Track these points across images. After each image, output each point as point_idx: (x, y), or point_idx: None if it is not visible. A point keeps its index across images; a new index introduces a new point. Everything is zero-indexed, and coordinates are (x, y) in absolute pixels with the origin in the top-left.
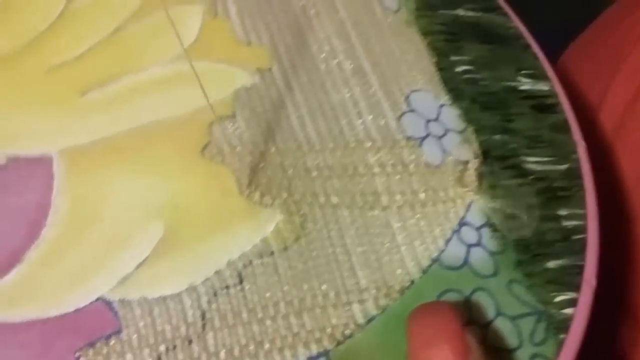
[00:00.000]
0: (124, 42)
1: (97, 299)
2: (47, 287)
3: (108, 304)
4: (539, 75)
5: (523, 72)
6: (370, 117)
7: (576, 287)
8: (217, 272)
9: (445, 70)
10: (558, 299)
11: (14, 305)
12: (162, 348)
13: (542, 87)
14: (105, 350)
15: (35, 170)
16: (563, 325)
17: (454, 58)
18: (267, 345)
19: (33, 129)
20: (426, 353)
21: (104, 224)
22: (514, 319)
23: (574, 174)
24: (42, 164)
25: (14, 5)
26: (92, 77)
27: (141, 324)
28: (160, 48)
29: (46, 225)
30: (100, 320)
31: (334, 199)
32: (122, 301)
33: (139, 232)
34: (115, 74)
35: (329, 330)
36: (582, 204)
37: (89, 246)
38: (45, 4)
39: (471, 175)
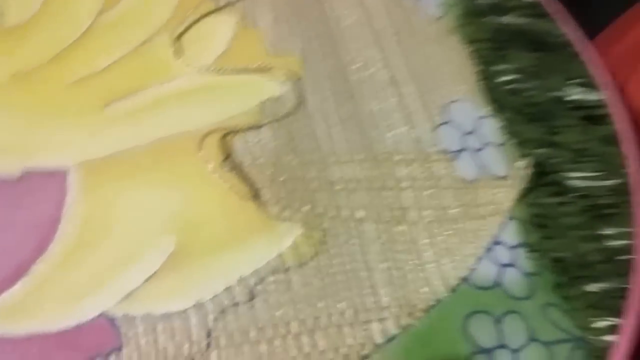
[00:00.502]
0: (150, 54)
1: (101, 315)
2: (51, 301)
3: (111, 319)
4: (590, 84)
5: (572, 81)
6: (403, 129)
7: (619, 312)
8: (227, 289)
9: (488, 80)
10: (598, 324)
11: (16, 318)
12: None
13: (593, 96)
14: None
15: (50, 184)
16: (603, 354)
17: (498, 67)
18: None
19: (53, 142)
20: None
21: (114, 238)
22: (548, 344)
23: (623, 189)
24: (57, 177)
25: (43, 19)
26: (117, 90)
27: (143, 341)
28: (186, 60)
29: (55, 239)
30: (102, 337)
31: (359, 213)
32: (125, 317)
33: (150, 246)
34: (140, 86)
35: (343, 350)
36: (630, 222)
37: (98, 260)
38: (75, 17)
39: (506, 192)
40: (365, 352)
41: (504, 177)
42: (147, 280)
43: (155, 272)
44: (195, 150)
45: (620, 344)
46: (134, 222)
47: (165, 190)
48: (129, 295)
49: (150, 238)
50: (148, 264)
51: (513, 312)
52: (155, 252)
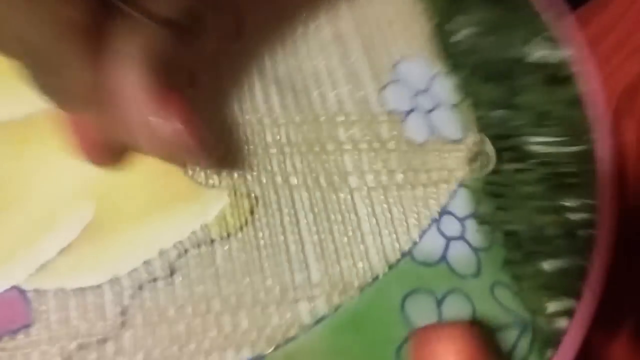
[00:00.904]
0: None
1: (11, 288)
2: None
3: (22, 293)
4: (555, 42)
5: (536, 38)
6: (347, 88)
7: (575, 294)
8: (146, 263)
9: (442, 37)
10: (551, 307)
11: None
12: (73, 346)
13: (558, 55)
14: (10, 345)
15: None
16: (552, 340)
17: (454, 23)
18: (192, 347)
19: None
20: None
21: (28, 206)
22: (493, 329)
23: (586, 157)
24: None
25: None
26: None
27: (54, 318)
28: None
29: None
30: (11, 312)
31: (293, 180)
32: (37, 291)
33: (66, 214)
34: None
35: (267, 331)
36: (593, 193)
37: (9, 230)
38: None
39: (460, 156)
40: (290, 334)
41: (456, 141)
42: (61, 252)
43: (70, 244)
44: None
45: (571, 330)
46: (50, 187)
47: None
48: (41, 268)
49: (67, 205)
50: (64, 233)
51: (457, 291)
52: (72, 220)
